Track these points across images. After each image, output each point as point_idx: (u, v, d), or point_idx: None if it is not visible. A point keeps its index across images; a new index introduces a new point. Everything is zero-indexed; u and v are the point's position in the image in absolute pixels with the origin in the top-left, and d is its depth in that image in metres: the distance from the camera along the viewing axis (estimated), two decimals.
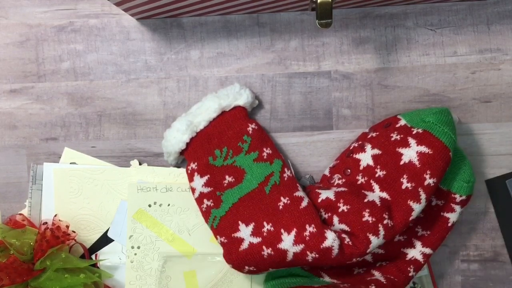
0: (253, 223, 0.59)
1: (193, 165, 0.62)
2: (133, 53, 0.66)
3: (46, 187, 0.65)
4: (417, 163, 0.57)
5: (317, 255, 0.56)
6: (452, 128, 0.58)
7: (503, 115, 0.65)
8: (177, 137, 0.61)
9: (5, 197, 0.67)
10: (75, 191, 0.65)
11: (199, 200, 0.61)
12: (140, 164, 0.66)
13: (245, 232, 0.59)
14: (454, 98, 0.65)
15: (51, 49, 0.66)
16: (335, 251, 0.55)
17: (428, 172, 0.57)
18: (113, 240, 0.65)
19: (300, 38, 0.65)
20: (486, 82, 0.65)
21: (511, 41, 0.64)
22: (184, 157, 0.64)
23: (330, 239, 0.55)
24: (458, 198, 0.60)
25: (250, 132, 0.62)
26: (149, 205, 0.64)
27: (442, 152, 0.57)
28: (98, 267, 0.64)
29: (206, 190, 0.61)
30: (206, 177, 0.61)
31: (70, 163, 0.66)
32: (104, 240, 0.65)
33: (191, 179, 0.62)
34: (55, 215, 0.64)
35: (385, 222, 0.56)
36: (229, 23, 0.65)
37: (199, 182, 0.61)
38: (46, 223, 0.63)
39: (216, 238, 0.60)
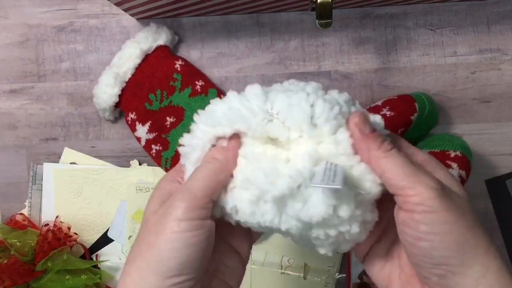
0: None
1: (132, 115, 0.62)
2: None
3: (46, 187, 0.65)
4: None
5: None
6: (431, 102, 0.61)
7: (503, 115, 0.65)
8: (107, 91, 0.61)
9: (5, 197, 0.66)
10: (75, 191, 0.65)
11: (147, 147, 0.61)
12: (140, 164, 0.65)
13: None
14: (454, 98, 0.65)
15: (51, 49, 0.66)
16: None
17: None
18: (113, 240, 0.65)
19: (300, 38, 0.65)
20: (486, 82, 0.65)
21: (511, 41, 0.64)
22: (120, 110, 0.63)
23: None
24: (452, 153, 0.59)
25: (179, 69, 0.61)
26: None
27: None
28: (99, 268, 0.64)
29: (151, 136, 0.61)
30: (148, 124, 0.61)
31: (70, 163, 0.66)
32: (104, 240, 0.65)
33: (133, 129, 0.62)
34: (57, 217, 0.64)
35: None
36: (229, 23, 0.65)
37: (142, 130, 0.61)
38: (47, 224, 0.63)
39: None
